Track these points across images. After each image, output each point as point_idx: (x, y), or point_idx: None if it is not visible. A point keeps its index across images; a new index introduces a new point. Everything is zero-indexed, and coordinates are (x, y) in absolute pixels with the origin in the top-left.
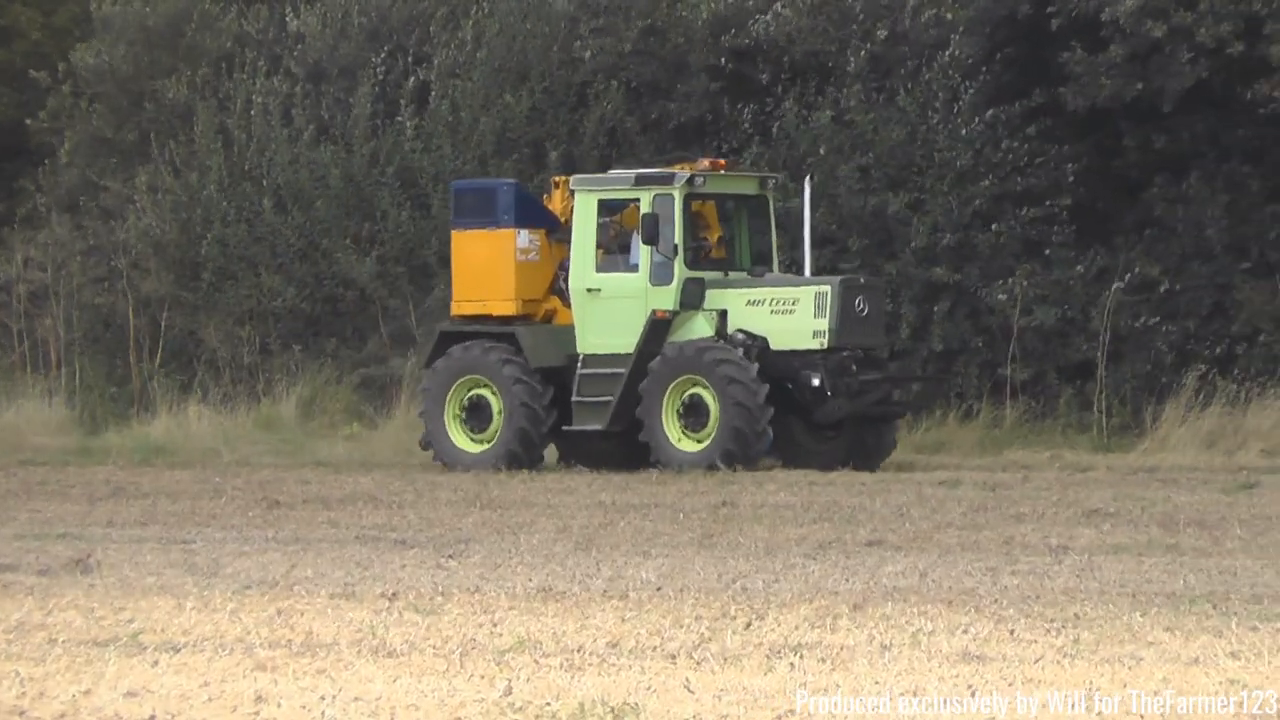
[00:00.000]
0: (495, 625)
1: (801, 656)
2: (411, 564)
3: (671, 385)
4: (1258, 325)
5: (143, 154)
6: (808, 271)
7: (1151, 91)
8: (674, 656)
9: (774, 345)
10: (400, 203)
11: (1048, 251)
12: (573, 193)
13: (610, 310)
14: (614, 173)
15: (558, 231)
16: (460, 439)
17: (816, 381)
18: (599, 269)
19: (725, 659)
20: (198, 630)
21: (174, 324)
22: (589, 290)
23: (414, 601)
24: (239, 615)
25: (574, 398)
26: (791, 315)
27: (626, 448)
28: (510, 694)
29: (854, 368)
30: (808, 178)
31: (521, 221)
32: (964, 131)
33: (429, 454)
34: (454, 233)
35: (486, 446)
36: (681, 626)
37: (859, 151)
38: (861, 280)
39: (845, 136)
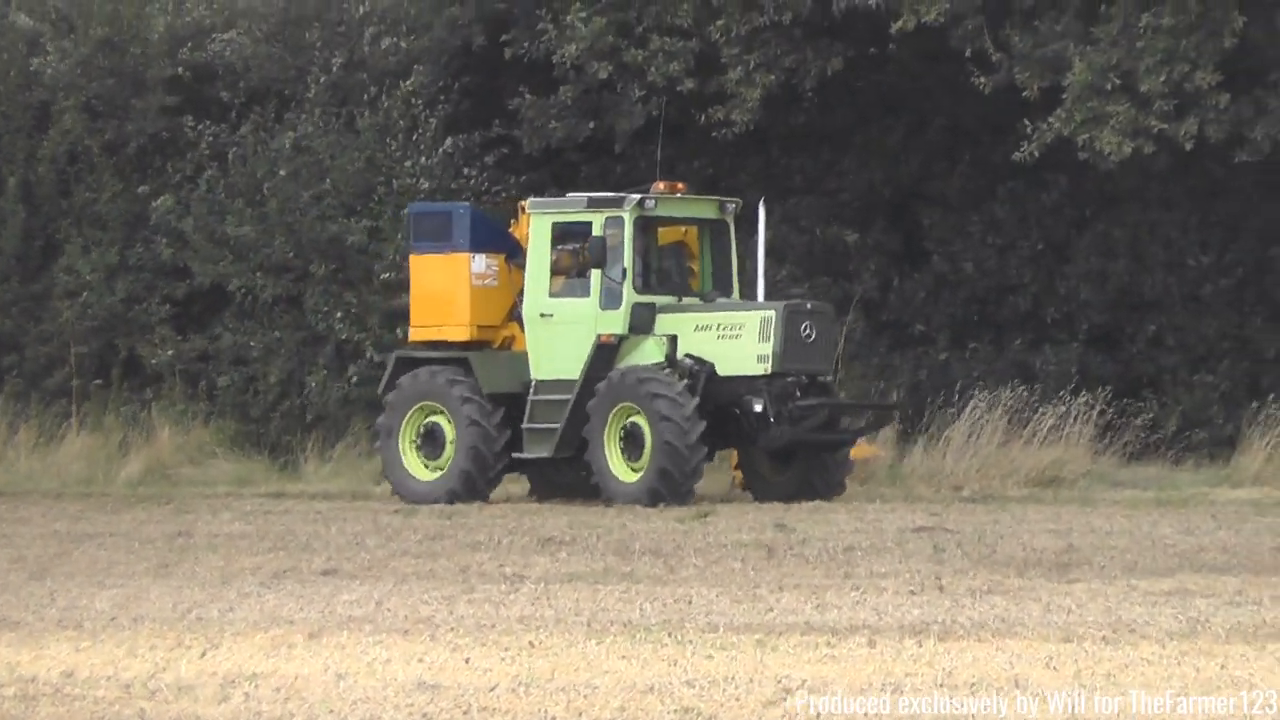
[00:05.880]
0: None
1: (256, 686)
2: None
3: (613, 412)
4: None
5: None
6: (760, 296)
7: (604, 129)
8: (128, 686)
9: (721, 371)
10: None
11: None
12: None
13: (562, 336)
14: (569, 195)
15: (519, 257)
16: (415, 467)
17: (759, 407)
18: (554, 294)
19: (180, 689)
20: None
21: None
22: (542, 315)
23: None
24: None
25: (525, 424)
26: (737, 340)
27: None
28: None
29: (797, 393)
30: (761, 200)
31: (478, 246)
32: (424, 160)
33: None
34: (411, 257)
35: (440, 474)
36: (136, 656)
37: (317, 178)
38: (808, 305)
39: (303, 162)
